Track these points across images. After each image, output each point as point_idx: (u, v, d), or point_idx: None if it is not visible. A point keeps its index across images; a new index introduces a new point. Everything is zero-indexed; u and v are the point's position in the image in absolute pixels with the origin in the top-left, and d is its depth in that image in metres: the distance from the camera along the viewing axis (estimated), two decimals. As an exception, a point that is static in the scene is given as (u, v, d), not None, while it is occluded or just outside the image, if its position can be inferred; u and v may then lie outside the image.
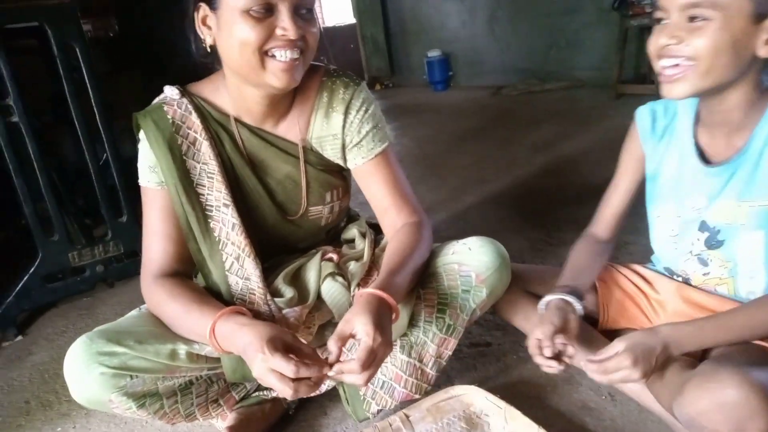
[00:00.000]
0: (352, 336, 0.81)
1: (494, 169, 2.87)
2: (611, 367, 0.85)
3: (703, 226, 0.96)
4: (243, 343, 0.82)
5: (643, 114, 1.05)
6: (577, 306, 0.96)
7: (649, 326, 1.08)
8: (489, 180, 2.71)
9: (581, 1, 4.69)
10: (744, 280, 0.95)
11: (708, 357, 0.93)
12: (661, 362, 0.86)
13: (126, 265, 2.04)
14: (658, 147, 1.03)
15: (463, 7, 5.94)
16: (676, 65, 0.83)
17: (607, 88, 4.17)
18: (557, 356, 0.91)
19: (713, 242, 0.95)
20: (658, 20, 0.86)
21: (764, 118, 0.86)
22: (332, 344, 0.79)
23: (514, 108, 4.51)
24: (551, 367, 0.91)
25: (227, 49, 0.91)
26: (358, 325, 0.80)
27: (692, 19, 0.80)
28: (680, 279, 1.05)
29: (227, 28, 0.88)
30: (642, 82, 4.04)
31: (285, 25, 0.86)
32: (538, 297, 1.13)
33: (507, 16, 5.49)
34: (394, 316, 0.86)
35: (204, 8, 0.91)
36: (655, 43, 0.85)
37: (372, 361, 0.78)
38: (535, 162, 2.89)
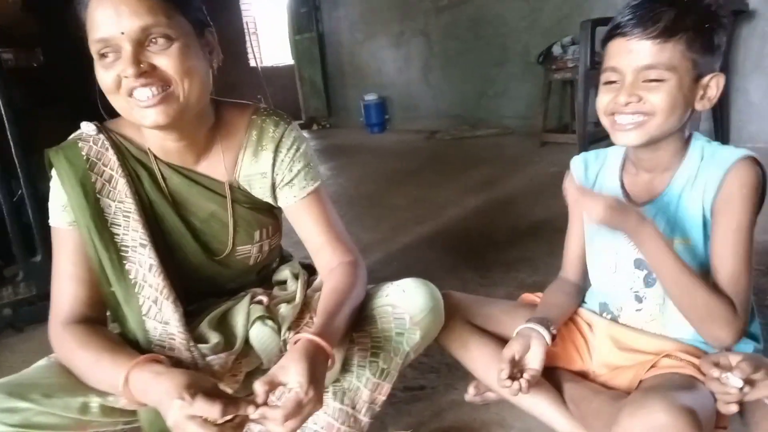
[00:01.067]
0: (282, 384, 0.78)
1: (428, 211, 2.93)
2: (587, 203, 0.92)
3: (639, 264, 1.02)
4: (159, 392, 0.78)
5: (576, 162, 1.14)
6: (544, 332, 1.00)
7: (579, 365, 1.11)
8: (423, 221, 2.76)
9: (509, 54, 4.99)
10: (672, 317, 1.00)
11: (637, 389, 0.97)
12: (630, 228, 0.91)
13: (38, 309, 1.89)
14: (593, 190, 1.09)
15: (398, 54, 6.17)
16: (639, 115, 0.91)
17: (533, 136, 4.41)
18: (515, 378, 0.96)
19: (650, 279, 1.01)
20: (608, 82, 0.94)
21: (683, 163, 0.97)
22: (259, 387, 0.76)
23: (446, 152, 4.67)
24: (507, 387, 0.95)
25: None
26: (292, 375, 0.77)
27: (647, 79, 0.89)
28: (610, 316, 1.10)
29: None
30: (564, 131, 4.30)
31: (121, 64, 0.84)
32: (478, 328, 1.17)
33: (440, 65, 5.74)
34: (330, 362, 0.84)
35: None
36: (610, 101, 0.93)
37: (297, 414, 0.75)
38: (467, 204, 2.98)
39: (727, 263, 0.91)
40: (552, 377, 1.11)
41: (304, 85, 7.78)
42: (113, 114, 0.97)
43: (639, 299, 1.04)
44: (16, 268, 1.92)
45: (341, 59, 7.02)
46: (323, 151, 5.48)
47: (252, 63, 8.54)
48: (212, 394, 0.77)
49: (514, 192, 3.12)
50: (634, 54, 0.89)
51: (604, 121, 0.96)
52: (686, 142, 0.98)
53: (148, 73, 0.84)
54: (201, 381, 0.79)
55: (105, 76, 0.85)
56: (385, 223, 2.82)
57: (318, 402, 0.78)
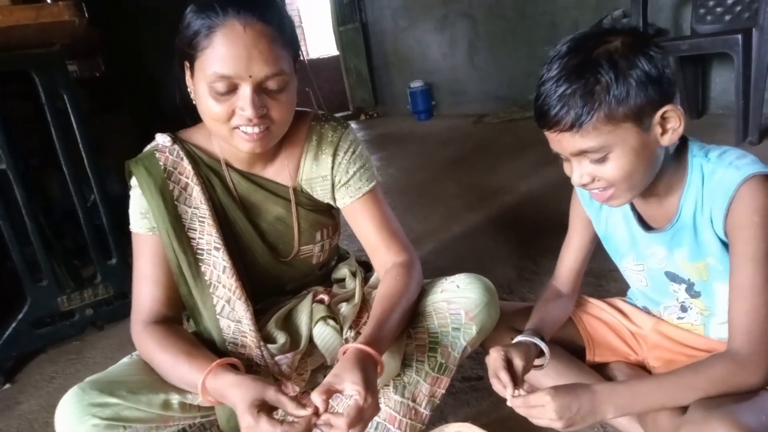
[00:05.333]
0: (339, 392, 0.82)
1: (480, 198, 2.92)
2: (534, 414, 0.84)
3: (674, 277, 0.99)
4: (232, 401, 0.85)
5: None
6: (544, 347, 0.97)
7: (634, 358, 1.11)
8: (475, 209, 2.75)
9: (557, 31, 4.83)
10: (714, 326, 0.98)
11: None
12: (587, 416, 0.83)
13: (116, 308, 2.03)
14: (601, 211, 1.06)
15: (443, 39, 6.10)
16: (602, 189, 0.87)
17: (587, 115, 4.27)
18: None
19: (692, 292, 0.98)
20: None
21: (686, 185, 0.89)
22: (317, 398, 0.79)
23: (496, 136, 4.59)
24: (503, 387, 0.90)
25: (201, 113, 0.96)
26: (349, 384, 0.81)
27: (590, 160, 0.83)
28: (656, 316, 1.09)
29: (199, 96, 0.93)
30: (619, 108, 4.14)
31: (243, 105, 0.89)
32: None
33: (486, 46, 5.63)
34: (379, 369, 0.88)
35: (188, 68, 0.95)
36: (570, 175, 0.89)
37: (359, 421, 0.79)
38: (519, 190, 2.94)
39: (746, 295, 0.82)
40: (608, 373, 1.10)
41: (350, 76, 7.81)
42: (194, 121, 1.03)
43: (684, 309, 1.01)
44: (92, 269, 2.05)
45: (386, 48, 7.00)
46: (372, 142, 5.51)
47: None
48: (278, 400, 0.81)
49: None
50: (564, 143, 0.84)
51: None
52: (681, 155, 0.89)
53: (262, 115, 0.91)
54: (264, 392, 0.82)
55: (216, 107, 0.90)
56: (436, 212, 2.83)
57: (376, 407, 0.82)
